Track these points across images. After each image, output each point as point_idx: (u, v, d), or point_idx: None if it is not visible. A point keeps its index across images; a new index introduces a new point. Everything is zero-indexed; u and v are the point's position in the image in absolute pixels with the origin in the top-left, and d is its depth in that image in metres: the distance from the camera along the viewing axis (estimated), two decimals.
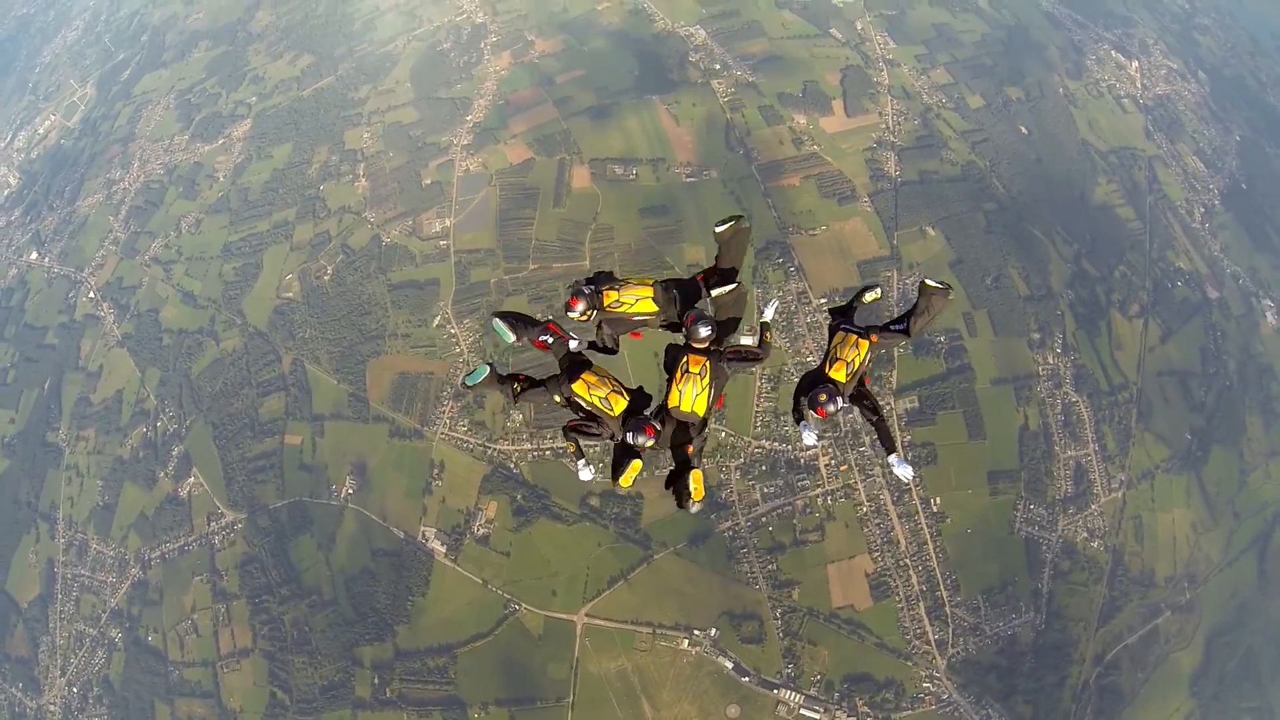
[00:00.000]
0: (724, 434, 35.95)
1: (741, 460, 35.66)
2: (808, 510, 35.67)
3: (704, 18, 49.37)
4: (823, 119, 44.97)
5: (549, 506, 35.31)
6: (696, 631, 33.95)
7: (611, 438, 8.24)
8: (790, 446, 36.02)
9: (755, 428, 36.32)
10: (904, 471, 8.96)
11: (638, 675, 33.57)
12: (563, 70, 46.89)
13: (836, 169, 42.97)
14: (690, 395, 7.83)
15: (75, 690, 43.40)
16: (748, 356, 8.18)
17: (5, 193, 58.66)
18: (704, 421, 8.16)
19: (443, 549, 35.82)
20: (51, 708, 44.31)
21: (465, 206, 42.41)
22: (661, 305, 8.35)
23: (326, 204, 45.43)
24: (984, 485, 36.85)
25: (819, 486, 35.98)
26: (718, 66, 46.77)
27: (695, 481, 8.13)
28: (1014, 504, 36.78)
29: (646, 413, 8.31)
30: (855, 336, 8.68)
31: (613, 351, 8.91)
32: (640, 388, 8.52)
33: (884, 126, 45.53)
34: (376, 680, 35.47)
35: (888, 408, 37.70)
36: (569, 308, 8.16)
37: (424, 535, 36.23)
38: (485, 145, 44.42)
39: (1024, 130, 48.33)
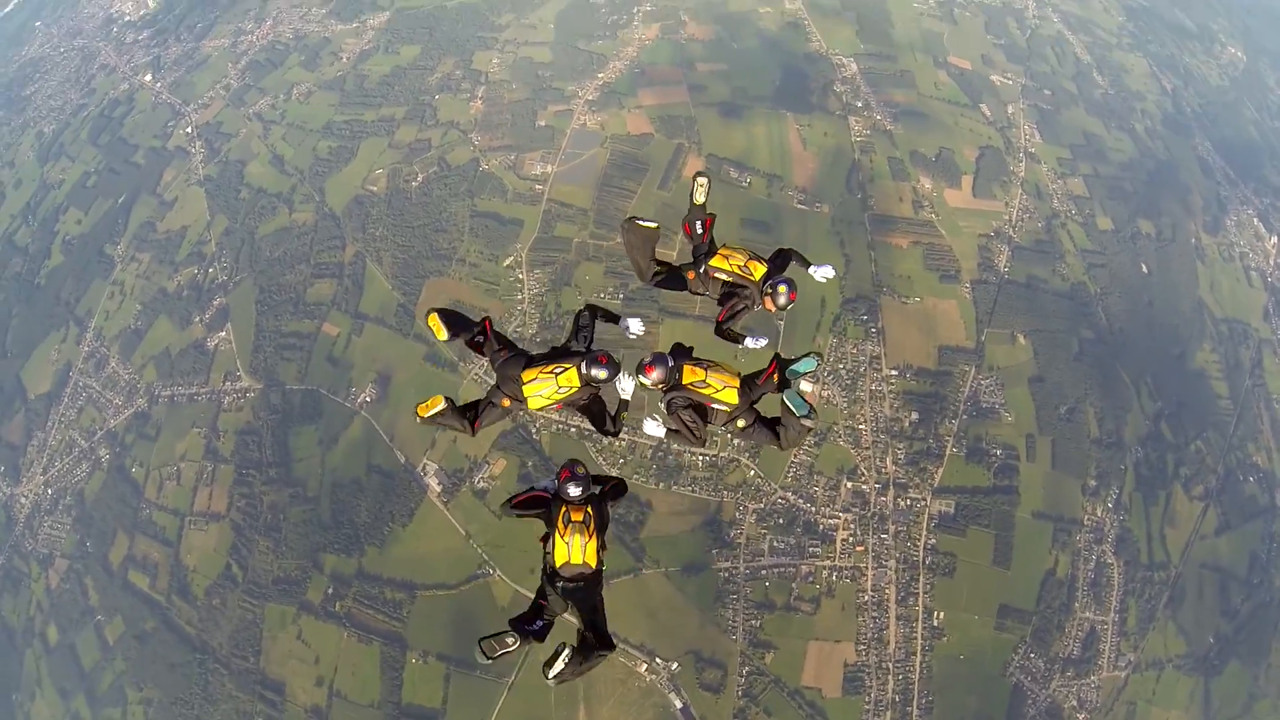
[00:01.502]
0: (752, 473, 32.97)
1: (762, 505, 32.71)
2: (810, 578, 32.68)
3: (860, 53, 46.11)
4: (948, 190, 41.55)
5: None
6: (659, 660, 31.30)
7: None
8: (814, 508, 32.93)
9: (786, 477, 33.29)
10: (825, 271, 8.52)
11: (584, 681, 30.80)
12: (706, 59, 44.02)
13: (948, 245, 39.58)
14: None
15: (50, 492, 42.37)
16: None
17: (142, 12, 57.77)
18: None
19: (438, 488, 33.56)
20: (22, 499, 43.31)
21: (571, 159, 39.92)
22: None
23: (437, 114, 43.31)
24: (992, 616, 33.64)
25: (829, 558, 32.97)
26: (860, 104, 43.51)
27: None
28: (1015, 646, 33.50)
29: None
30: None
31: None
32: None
33: (1007, 218, 42.00)
34: (331, 590, 33.49)
35: (923, 502, 34.47)
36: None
37: (424, 468, 34.04)
38: (609, 106, 41.84)
39: (1145, 269, 44.35)
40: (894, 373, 35.79)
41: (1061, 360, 39.20)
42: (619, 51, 44.63)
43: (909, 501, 34.55)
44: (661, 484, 32.73)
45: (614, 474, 9.40)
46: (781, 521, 32.98)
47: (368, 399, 35.60)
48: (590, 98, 42.60)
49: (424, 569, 32.41)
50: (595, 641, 6.94)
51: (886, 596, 33.21)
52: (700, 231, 8.68)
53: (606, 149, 40.13)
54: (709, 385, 7.53)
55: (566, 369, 7.45)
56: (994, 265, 40.20)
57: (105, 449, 40.95)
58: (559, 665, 6.70)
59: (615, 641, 7.22)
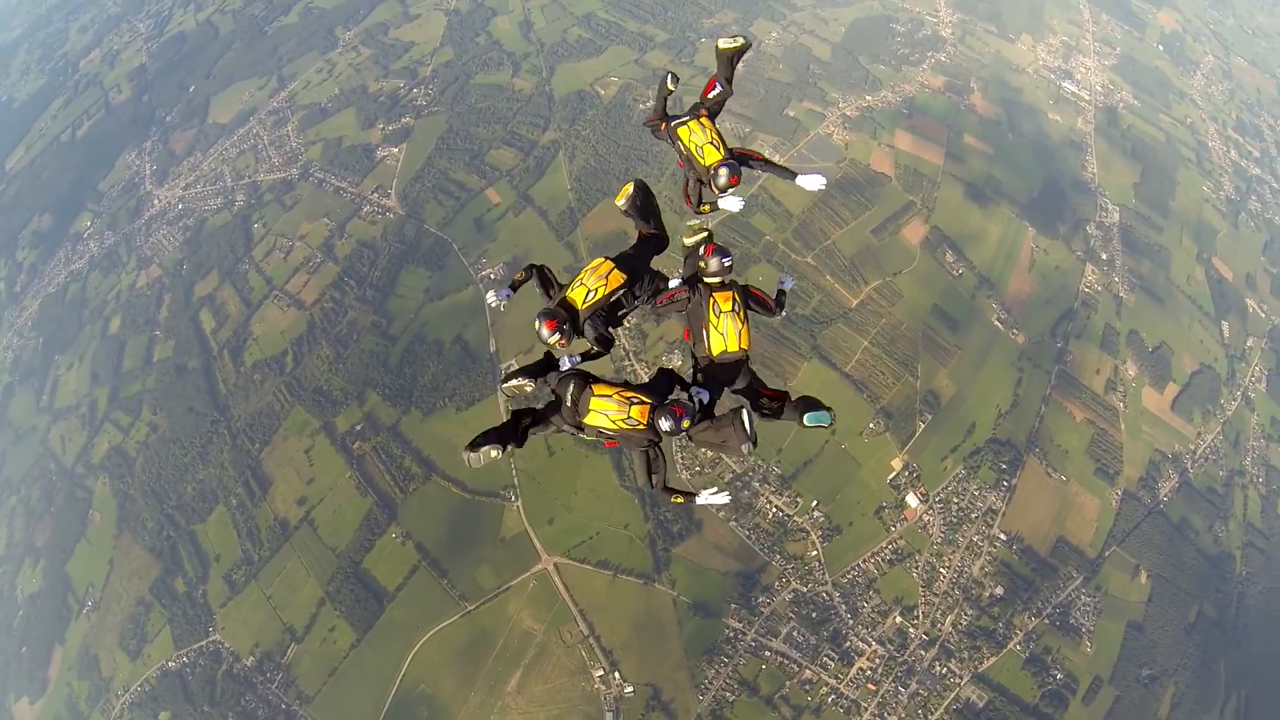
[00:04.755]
0: (814, 553, 28.42)
1: (805, 589, 28.13)
2: (806, 686, 28.05)
3: (1129, 205, 40.07)
4: (1148, 389, 35.56)
5: (617, 454, 29.03)
6: (617, 675, 27.48)
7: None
8: (852, 622, 28.14)
9: (843, 575, 28.56)
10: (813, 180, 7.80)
11: (537, 650, 27.55)
12: (977, 134, 39.20)
13: (1121, 442, 33.80)
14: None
15: (180, 206, 42.10)
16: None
17: None
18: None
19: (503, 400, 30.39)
20: (156, 200, 43.56)
21: (800, 160, 35.74)
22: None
23: (695, 55, 40.11)
24: None
25: (836, 678, 28.21)
26: (1105, 256, 37.77)
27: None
28: None
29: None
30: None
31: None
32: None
33: (1193, 448, 35.58)
34: (359, 428, 31.22)
35: (958, 680, 29.19)
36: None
37: (509, 368, 30.89)
38: (862, 130, 37.72)
39: None
40: (1003, 537, 30.47)
41: (1172, 622, 32.88)
42: (897, 85, 40.22)
43: (945, 670, 29.32)
44: (723, 513, 28.52)
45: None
46: (814, 616, 28.38)
47: (492, 275, 32.83)
48: (849, 113, 38.47)
49: (452, 458, 29.54)
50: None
51: None
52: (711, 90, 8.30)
53: (840, 169, 35.85)
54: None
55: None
56: (1155, 488, 34.03)
57: (243, 195, 40.32)
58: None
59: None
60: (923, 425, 30.18)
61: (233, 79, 46.46)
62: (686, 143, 7.82)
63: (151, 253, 40.47)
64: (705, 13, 41.99)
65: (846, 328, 31.48)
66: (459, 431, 29.99)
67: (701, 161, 7.69)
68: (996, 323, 33.59)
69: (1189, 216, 40.93)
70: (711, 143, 7.86)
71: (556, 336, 6.80)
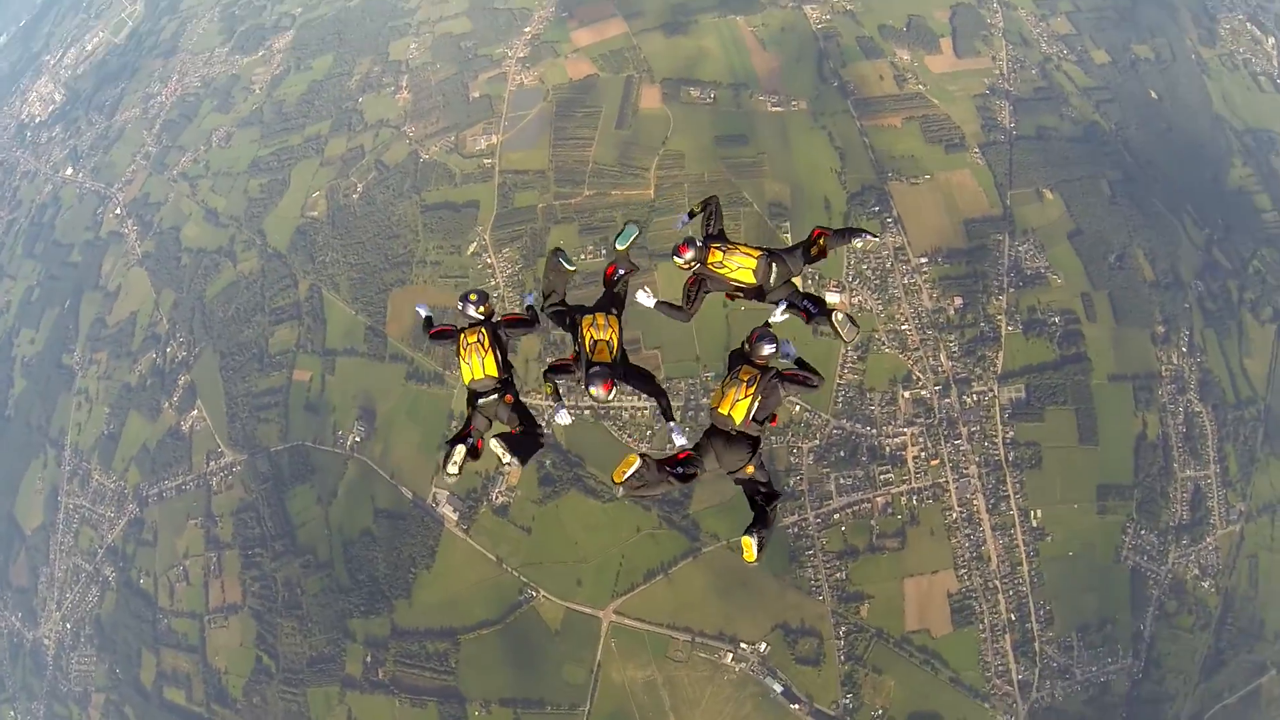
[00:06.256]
0: (798, 408, 27.41)
1: (817, 442, 27.37)
2: (889, 510, 27.38)
3: None
4: (929, 57, 35.94)
5: (583, 478, 27.56)
6: (744, 645, 26.31)
7: (577, 381, 7.56)
8: (876, 430, 27.38)
9: (836, 404, 27.80)
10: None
11: (668, 689, 25.88)
12: None
13: (944, 113, 34.01)
14: (731, 400, 6.87)
15: (69, 626, 38.07)
16: (803, 381, 7.11)
17: (50, 109, 52.48)
18: (746, 437, 6.97)
19: (454, 517, 28.52)
20: (46, 641, 39.06)
21: (515, 123, 34.61)
22: (760, 278, 7.58)
23: (364, 117, 38.18)
24: (1092, 501, 28.76)
25: (904, 482, 27.72)
26: None
27: (744, 545, 6.99)
28: (1124, 527, 28.70)
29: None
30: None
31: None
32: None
33: (998, 72, 36.38)
34: (369, 659, 28.68)
35: (990, 394, 28.89)
36: (677, 253, 7.56)
37: (435, 498, 29.07)
38: (543, 59, 36.43)
39: (1154, 95, 38.40)
40: (924, 260, 30.26)
41: (1096, 207, 33.67)
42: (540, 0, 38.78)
43: (975, 397, 29.16)
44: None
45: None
46: (843, 454, 27.55)
47: (356, 439, 30.51)
48: (521, 55, 37.08)
49: (461, 610, 27.40)
50: (528, 428, 7.33)
51: (976, 508, 28.04)
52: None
53: (551, 103, 34.63)
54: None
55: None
56: (998, 123, 34.54)
57: (110, 567, 36.48)
58: (498, 450, 6.90)
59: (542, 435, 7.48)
60: (788, 235, 29.41)
61: (15, 479, 41.84)
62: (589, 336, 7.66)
63: (81, 686, 36.21)
64: (345, 76, 39.75)
65: (661, 217, 30.31)
66: (446, 587, 27.80)
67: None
68: (774, 110, 33.07)
69: None
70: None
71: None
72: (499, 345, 7.56)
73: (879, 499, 27.49)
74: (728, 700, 25.87)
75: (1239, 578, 29.16)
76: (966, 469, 28.34)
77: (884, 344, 28.55)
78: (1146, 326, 31.55)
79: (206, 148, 41.41)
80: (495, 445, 6.86)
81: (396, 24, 41.20)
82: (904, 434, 28.04)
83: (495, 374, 7.41)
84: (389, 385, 30.81)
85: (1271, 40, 43.59)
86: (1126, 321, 31.37)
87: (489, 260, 31.94)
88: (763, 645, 26.18)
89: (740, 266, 7.49)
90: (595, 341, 7.34)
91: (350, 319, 32.93)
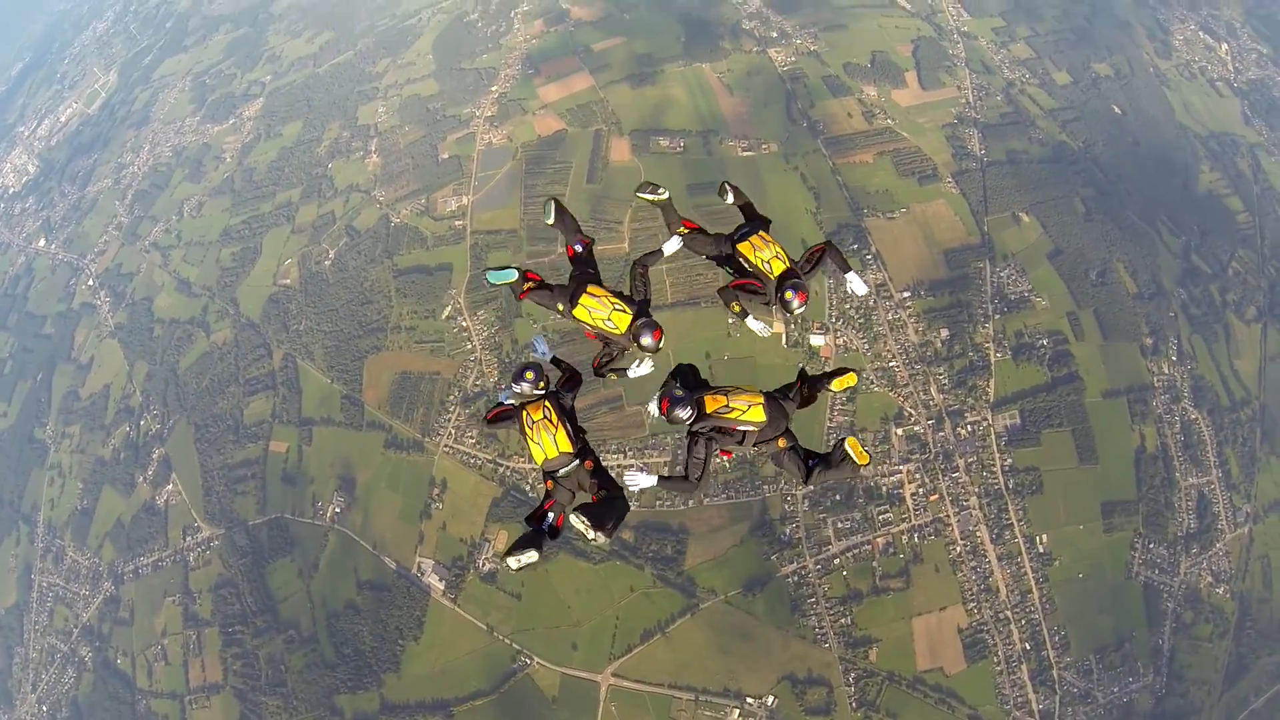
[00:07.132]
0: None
1: (811, 488, 26.36)
2: (890, 550, 26.62)
3: None
4: (895, 91, 36.34)
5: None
6: (750, 700, 25.32)
7: (621, 352, 7.59)
8: (871, 470, 26.68)
9: (826, 446, 26.97)
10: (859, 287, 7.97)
11: None
12: (601, 36, 38.74)
13: (914, 145, 34.24)
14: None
15: (45, 709, 36.26)
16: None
17: (24, 180, 52.19)
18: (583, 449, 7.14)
19: (441, 586, 27.42)
20: None
21: (485, 183, 34.47)
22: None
23: (334, 183, 37.93)
24: (1097, 520, 28.34)
25: (904, 520, 27.01)
26: (774, 34, 38.35)
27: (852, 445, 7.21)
28: (1132, 542, 28.28)
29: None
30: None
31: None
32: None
33: (964, 101, 36.88)
34: None
35: (985, 423, 28.43)
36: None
37: (419, 568, 27.95)
38: (511, 117, 36.47)
39: (1118, 110, 39.01)
40: (906, 295, 30.01)
41: (1073, 225, 33.86)
42: (506, 59, 39.22)
43: (970, 427, 28.68)
44: (690, 501, 26.40)
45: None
46: (838, 498, 26.80)
47: (336, 510, 29.53)
48: (489, 114, 37.10)
49: (452, 681, 26.19)
50: (610, 492, 6.93)
51: (980, 540, 27.40)
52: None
53: (520, 160, 34.53)
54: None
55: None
56: (969, 151, 34.80)
57: (86, 647, 34.95)
58: (580, 525, 6.42)
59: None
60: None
61: None
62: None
63: None
64: (314, 142, 39.68)
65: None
66: (436, 658, 26.59)
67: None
68: (745, 154, 33.13)
69: None
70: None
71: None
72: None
73: (879, 539, 26.72)
74: None
75: (1253, 580, 28.90)
76: (967, 501, 27.70)
77: (872, 383, 28.08)
78: (1134, 339, 31.53)
79: (178, 217, 41.11)
80: (577, 521, 6.42)
81: (364, 88, 41.40)
82: (900, 471, 27.42)
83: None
84: (368, 454, 29.94)
85: (1225, 46, 44.69)
86: (1114, 336, 31.33)
87: (464, 323, 31.39)
88: (770, 699, 25.13)
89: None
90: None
91: (326, 387, 32.21)
